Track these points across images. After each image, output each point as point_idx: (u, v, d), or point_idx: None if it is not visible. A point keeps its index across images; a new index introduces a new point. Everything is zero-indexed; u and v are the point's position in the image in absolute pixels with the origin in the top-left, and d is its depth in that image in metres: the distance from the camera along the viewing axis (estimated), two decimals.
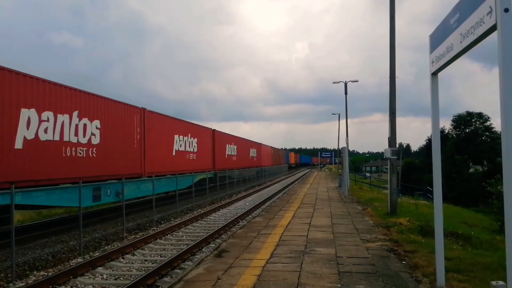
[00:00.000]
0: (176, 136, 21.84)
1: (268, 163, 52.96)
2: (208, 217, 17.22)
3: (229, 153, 33.41)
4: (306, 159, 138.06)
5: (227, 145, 32.67)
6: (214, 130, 29.37)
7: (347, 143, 30.49)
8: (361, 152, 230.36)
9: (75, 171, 12.90)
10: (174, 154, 21.41)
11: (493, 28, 3.52)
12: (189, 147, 23.82)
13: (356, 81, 36.43)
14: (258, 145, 47.80)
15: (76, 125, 13.21)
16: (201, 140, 26.08)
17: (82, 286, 7.82)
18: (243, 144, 39.32)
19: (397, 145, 14.57)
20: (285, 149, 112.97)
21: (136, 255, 10.39)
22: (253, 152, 44.26)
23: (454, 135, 67.43)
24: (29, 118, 11.15)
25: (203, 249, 10.78)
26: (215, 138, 29.18)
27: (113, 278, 8.32)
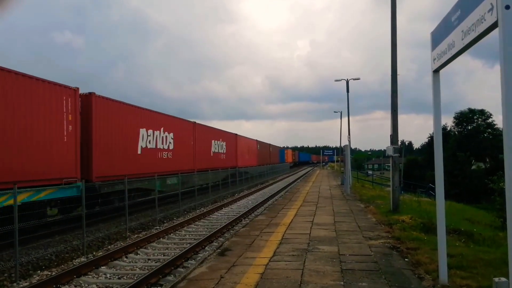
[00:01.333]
0: None
1: (250, 163, 39.62)
2: (211, 215, 17.25)
3: (150, 146, 18.44)
4: (306, 157, 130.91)
5: (141, 130, 17.73)
6: (92, 94, 14.33)
7: (349, 141, 30.50)
8: (363, 149, 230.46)
9: None
10: None
11: (494, 25, 3.52)
12: None
13: (358, 78, 36.27)
14: (231, 137, 34.02)
15: None
16: (28, 110, 11.43)
17: (86, 285, 7.85)
18: (193, 132, 24.25)
19: (399, 143, 14.58)
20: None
21: (139, 254, 10.42)
22: (219, 147, 29.90)
23: (456, 132, 67.39)
24: None
25: (206, 247, 10.80)
26: (98, 113, 14.55)
27: (117, 277, 8.35)
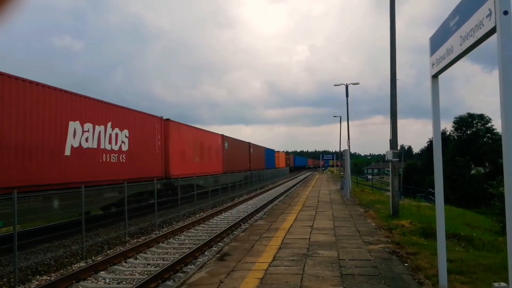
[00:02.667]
0: None
1: (205, 169, 26.09)
2: (210, 220, 17.23)
3: None
4: (302, 161, 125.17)
5: None
6: None
7: (349, 146, 30.46)
8: (362, 154, 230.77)
9: None
10: None
11: (492, 31, 3.53)
12: None
13: (357, 83, 36.26)
14: (149, 122, 19.14)
15: None
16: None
17: None
18: None
19: (399, 147, 14.59)
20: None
21: (138, 259, 10.40)
22: (102, 139, 15.07)
23: (455, 137, 67.44)
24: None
25: (206, 252, 10.78)
26: None
27: (116, 282, 8.33)
